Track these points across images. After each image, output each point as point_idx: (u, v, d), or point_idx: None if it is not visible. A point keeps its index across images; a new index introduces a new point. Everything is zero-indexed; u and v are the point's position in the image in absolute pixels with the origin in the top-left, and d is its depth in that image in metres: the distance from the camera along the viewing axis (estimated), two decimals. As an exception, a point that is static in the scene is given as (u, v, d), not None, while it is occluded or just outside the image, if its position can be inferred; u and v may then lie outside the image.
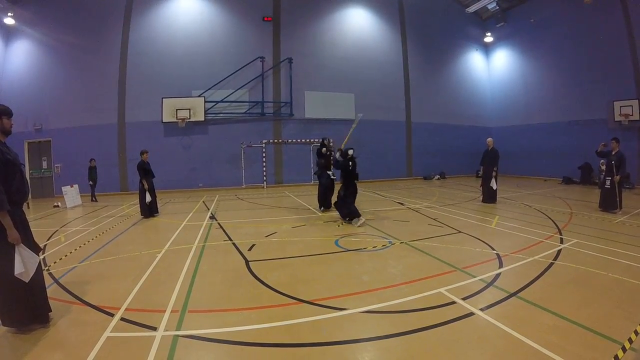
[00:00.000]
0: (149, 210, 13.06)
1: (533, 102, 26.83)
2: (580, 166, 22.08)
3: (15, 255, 4.28)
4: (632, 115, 19.89)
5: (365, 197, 16.78)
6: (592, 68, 22.43)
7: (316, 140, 23.78)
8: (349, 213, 11.21)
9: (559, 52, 24.61)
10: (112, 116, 20.65)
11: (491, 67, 31.50)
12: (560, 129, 24.52)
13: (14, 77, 20.24)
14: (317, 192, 14.02)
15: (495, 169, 14.64)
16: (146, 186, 12.87)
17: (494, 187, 14.59)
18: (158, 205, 13.86)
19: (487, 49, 31.53)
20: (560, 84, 24.63)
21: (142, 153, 13.42)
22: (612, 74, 21.33)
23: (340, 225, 10.91)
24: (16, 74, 20.24)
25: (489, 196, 14.77)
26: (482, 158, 15.28)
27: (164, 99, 20.67)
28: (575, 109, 23.59)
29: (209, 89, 21.69)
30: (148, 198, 12.87)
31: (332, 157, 13.61)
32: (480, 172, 15.60)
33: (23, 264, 4.31)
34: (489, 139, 15.26)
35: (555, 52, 24.85)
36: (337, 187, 12.50)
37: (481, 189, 15.35)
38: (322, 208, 13.55)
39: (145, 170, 13.05)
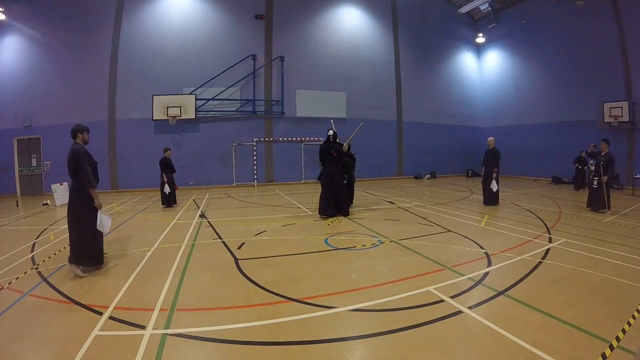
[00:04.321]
0: (168, 201, 14.64)
1: (524, 102, 27.02)
2: (577, 158, 20.17)
3: (98, 215, 6.87)
4: (621, 116, 20.06)
5: (355, 196, 16.76)
6: (583, 69, 22.60)
7: (307, 138, 23.84)
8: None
9: (550, 53, 24.79)
10: (103, 113, 20.46)
11: (482, 68, 31.66)
12: (551, 130, 24.72)
13: (4, 73, 19.94)
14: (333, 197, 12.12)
15: (495, 169, 14.08)
16: (165, 179, 14.42)
17: (494, 189, 14.06)
18: (176, 197, 15.25)
19: (478, 49, 31.70)
20: (551, 85, 24.82)
21: (164, 150, 14.95)
22: (603, 75, 21.50)
23: (330, 224, 10.91)
24: (6, 69, 19.95)
25: (490, 198, 14.23)
26: (483, 158, 14.70)
27: (154, 96, 20.53)
28: (565, 110, 23.78)
29: (200, 86, 21.59)
30: (167, 189, 14.44)
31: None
32: (481, 172, 15.04)
33: (102, 221, 6.93)
34: (490, 138, 14.62)
35: (547, 53, 25.03)
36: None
37: (482, 190, 14.74)
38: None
39: (166, 165, 14.54)
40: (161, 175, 14.56)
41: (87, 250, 6.78)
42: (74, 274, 6.56)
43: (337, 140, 12.63)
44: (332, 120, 13.91)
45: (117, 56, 20.77)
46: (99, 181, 7.36)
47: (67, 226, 6.88)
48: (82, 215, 6.80)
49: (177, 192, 15.39)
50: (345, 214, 12.09)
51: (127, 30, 20.91)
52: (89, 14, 20.50)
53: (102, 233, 7.13)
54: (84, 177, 6.85)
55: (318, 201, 12.28)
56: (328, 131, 12.32)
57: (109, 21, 20.70)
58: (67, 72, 20.26)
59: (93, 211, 6.87)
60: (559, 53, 24.13)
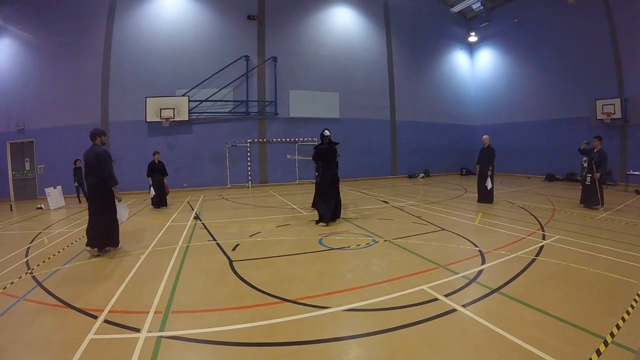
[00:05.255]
0: (155, 203, 15.04)
1: (516, 100, 27.13)
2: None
3: (118, 207, 8.33)
4: (614, 113, 20.16)
5: (349, 196, 16.84)
6: (575, 67, 22.70)
7: (301, 139, 23.84)
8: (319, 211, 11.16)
9: (542, 51, 24.89)
10: (96, 115, 20.32)
11: (475, 66, 31.77)
12: (544, 127, 24.83)
13: (-4, 75, 19.94)
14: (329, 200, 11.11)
15: (490, 167, 14.12)
16: (150, 182, 14.87)
17: (489, 187, 14.12)
18: (167, 200, 15.65)
19: (471, 48, 31.81)
20: (544, 83, 24.92)
21: (153, 154, 15.32)
22: (595, 72, 21.61)
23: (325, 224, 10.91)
24: (-2, 72, 19.95)
25: (484, 196, 14.34)
26: (478, 156, 14.75)
27: (147, 98, 20.49)
28: (558, 108, 23.87)
29: (193, 88, 21.58)
30: (152, 193, 14.86)
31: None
32: (476, 171, 15.13)
33: (121, 212, 8.46)
34: (485, 136, 14.64)
35: (539, 51, 25.13)
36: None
37: (477, 188, 14.87)
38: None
39: (151, 169, 14.98)
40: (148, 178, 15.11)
41: (103, 233, 8.04)
42: (90, 254, 7.95)
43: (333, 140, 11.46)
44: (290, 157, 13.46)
45: (110, 58, 20.70)
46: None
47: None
48: (101, 206, 8.04)
49: (170, 195, 15.44)
50: (338, 215, 11.38)
51: (119, 32, 20.84)
52: (82, 16, 20.42)
53: (116, 221, 8.39)
54: (109, 175, 8.01)
55: (315, 206, 11.45)
56: (324, 131, 11.32)
57: (102, 23, 20.63)
58: (59, 74, 20.18)
59: (108, 203, 8.15)
60: (551, 51, 24.22)
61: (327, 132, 11.34)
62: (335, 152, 11.34)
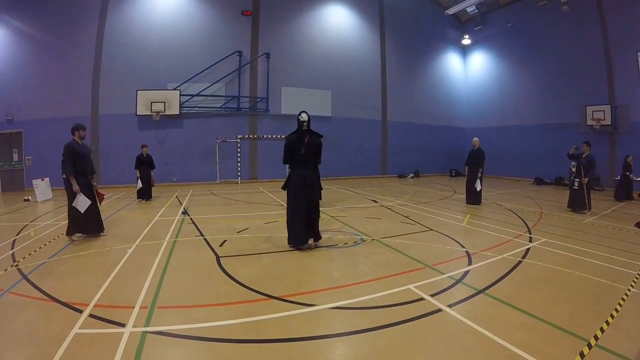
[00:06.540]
0: (141, 195, 15.43)
1: (508, 104, 27.29)
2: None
3: (77, 197, 8.50)
4: (603, 120, 20.36)
5: (339, 194, 16.83)
6: (567, 73, 22.90)
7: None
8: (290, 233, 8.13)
9: (535, 56, 25.07)
10: (86, 108, 20.12)
11: (468, 69, 31.93)
12: (534, 132, 25.04)
13: (-14, 65, 19.67)
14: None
15: (480, 169, 14.23)
16: (137, 174, 15.35)
17: (478, 188, 14.22)
18: (152, 194, 15.97)
19: (464, 51, 31.95)
20: (535, 88, 25.11)
21: (141, 147, 15.86)
22: (586, 79, 21.81)
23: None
24: (-12, 62, 19.67)
25: (473, 197, 14.43)
26: (467, 158, 14.85)
27: (138, 91, 20.33)
28: (549, 113, 24.08)
29: (185, 82, 21.44)
30: (139, 185, 15.28)
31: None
32: (464, 172, 15.08)
33: (78, 203, 8.51)
34: (475, 139, 14.76)
35: (532, 56, 25.31)
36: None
37: (465, 189, 14.93)
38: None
39: (139, 162, 15.46)
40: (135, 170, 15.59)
41: (77, 223, 8.67)
42: (70, 240, 8.65)
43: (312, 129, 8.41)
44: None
45: (102, 50, 20.48)
46: (90, 169, 9.26)
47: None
48: (71, 196, 8.61)
49: (159, 189, 15.37)
50: (318, 237, 8.26)
51: (112, 24, 20.63)
52: (74, 7, 20.17)
53: (97, 210, 9.10)
54: (64, 167, 8.69)
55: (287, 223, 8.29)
56: (300, 115, 8.31)
57: (94, 14, 20.41)
58: (50, 65, 19.92)
59: (87, 193, 8.71)
60: (544, 56, 24.39)
61: (303, 116, 8.27)
62: (309, 147, 8.11)
